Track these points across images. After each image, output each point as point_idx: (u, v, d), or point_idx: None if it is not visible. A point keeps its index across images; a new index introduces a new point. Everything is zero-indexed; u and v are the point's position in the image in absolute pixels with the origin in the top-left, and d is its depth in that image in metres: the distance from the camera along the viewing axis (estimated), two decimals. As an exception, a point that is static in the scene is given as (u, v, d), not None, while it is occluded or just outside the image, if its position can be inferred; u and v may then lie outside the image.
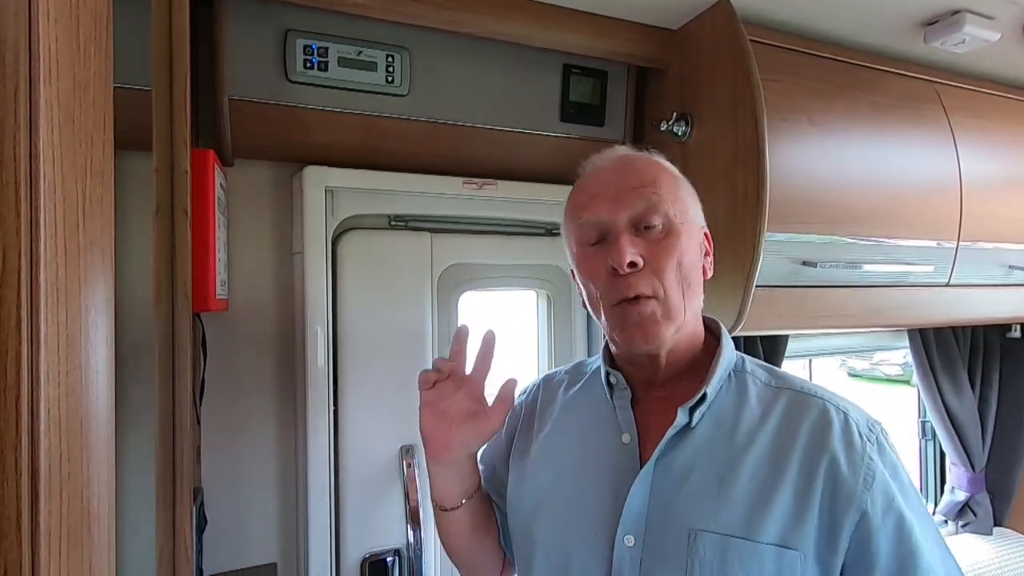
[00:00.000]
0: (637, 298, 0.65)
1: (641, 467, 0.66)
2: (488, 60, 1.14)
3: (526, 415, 0.84)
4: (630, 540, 0.64)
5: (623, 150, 0.74)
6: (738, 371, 0.71)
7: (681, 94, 1.18)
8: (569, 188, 1.24)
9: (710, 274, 0.72)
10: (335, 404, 1.08)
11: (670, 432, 0.65)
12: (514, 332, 1.38)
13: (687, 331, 0.69)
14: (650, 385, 0.72)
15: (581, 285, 0.73)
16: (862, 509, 0.59)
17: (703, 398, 0.66)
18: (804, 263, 1.09)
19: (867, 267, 1.16)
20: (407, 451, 1.11)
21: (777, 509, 0.60)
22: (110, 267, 0.44)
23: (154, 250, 0.76)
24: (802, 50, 1.15)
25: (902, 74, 1.27)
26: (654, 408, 0.70)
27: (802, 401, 0.66)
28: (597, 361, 0.80)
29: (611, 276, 0.66)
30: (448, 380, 0.74)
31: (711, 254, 0.74)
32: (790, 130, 1.08)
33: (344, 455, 1.08)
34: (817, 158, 1.12)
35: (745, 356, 0.73)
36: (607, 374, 0.74)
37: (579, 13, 1.11)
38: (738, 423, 0.66)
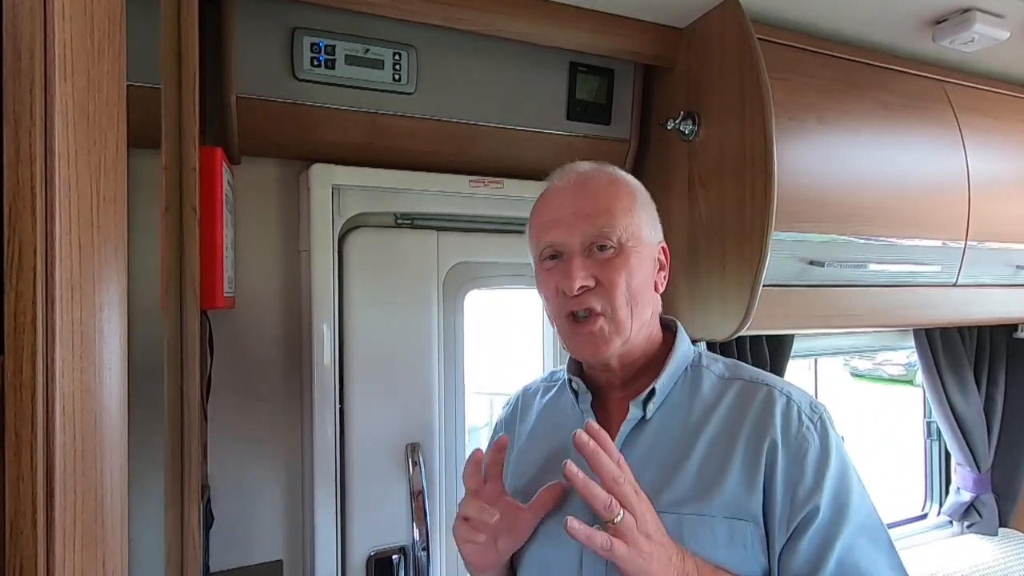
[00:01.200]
0: (588, 313, 0.71)
1: None
2: (495, 58, 1.14)
3: (507, 429, 0.89)
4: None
5: (583, 168, 0.77)
6: (694, 365, 0.77)
7: (688, 92, 1.18)
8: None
9: (662, 288, 0.77)
10: (341, 401, 1.08)
11: (625, 426, 0.72)
12: (520, 330, 1.38)
13: (638, 339, 0.74)
14: (611, 387, 0.78)
15: (541, 297, 0.78)
16: (794, 483, 0.65)
17: (652, 392, 0.72)
18: (811, 262, 1.09)
19: (874, 267, 1.16)
20: (413, 448, 1.12)
21: (727, 485, 0.66)
22: (123, 264, 0.44)
23: (163, 248, 0.76)
24: (810, 48, 1.15)
25: (911, 73, 1.26)
26: (616, 408, 0.76)
27: (750, 389, 0.72)
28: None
29: (564, 294, 0.72)
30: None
31: (666, 268, 0.78)
32: (798, 129, 1.08)
33: (350, 452, 1.08)
34: (825, 157, 1.11)
35: (703, 351, 0.79)
36: (569, 381, 0.80)
37: (586, 11, 1.11)
38: (691, 412, 0.72)
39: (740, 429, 0.69)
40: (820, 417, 0.69)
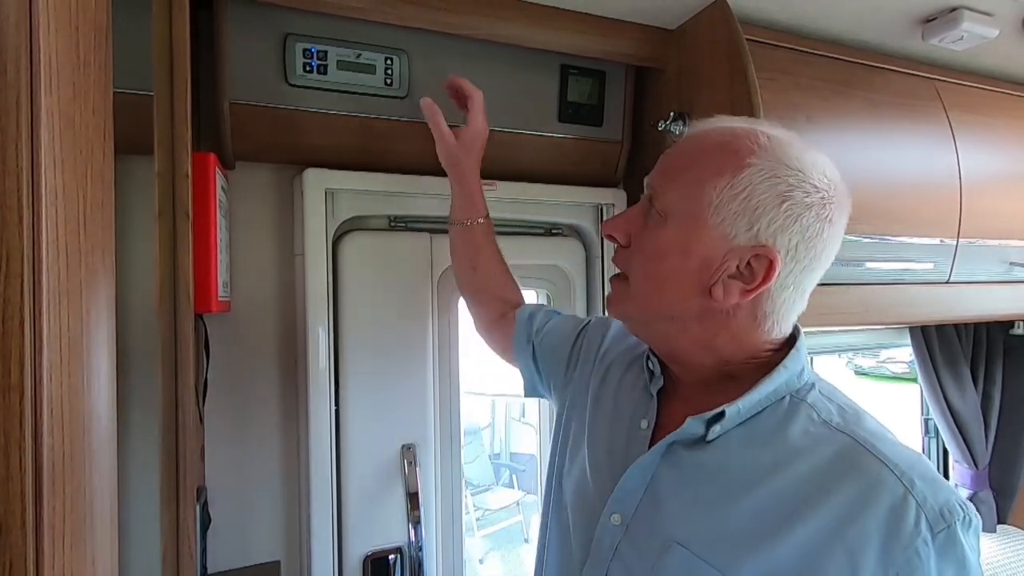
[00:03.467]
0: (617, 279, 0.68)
1: None
2: (486, 61, 1.15)
3: (594, 353, 0.84)
4: (616, 519, 0.63)
5: (707, 125, 0.64)
6: (798, 398, 0.60)
7: (679, 93, 1.19)
8: (568, 188, 1.27)
9: (729, 301, 0.59)
10: (337, 404, 1.09)
11: (674, 436, 0.61)
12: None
13: (690, 340, 0.62)
14: (683, 383, 0.68)
15: None
16: None
17: (721, 414, 0.58)
18: (802, 261, 1.10)
19: (867, 265, 1.16)
20: (408, 449, 1.12)
21: (766, 559, 0.52)
22: (111, 270, 0.45)
23: (156, 253, 0.77)
24: (799, 48, 1.16)
25: (900, 71, 1.27)
26: (680, 406, 0.66)
27: (857, 456, 0.54)
28: None
29: None
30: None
31: (755, 282, 0.58)
32: (787, 128, 1.08)
33: (346, 454, 1.09)
34: (815, 156, 1.12)
35: (820, 383, 0.62)
36: (647, 358, 0.72)
37: (575, 14, 1.11)
38: (766, 451, 0.57)
39: (818, 504, 0.52)
40: (945, 533, 0.49)
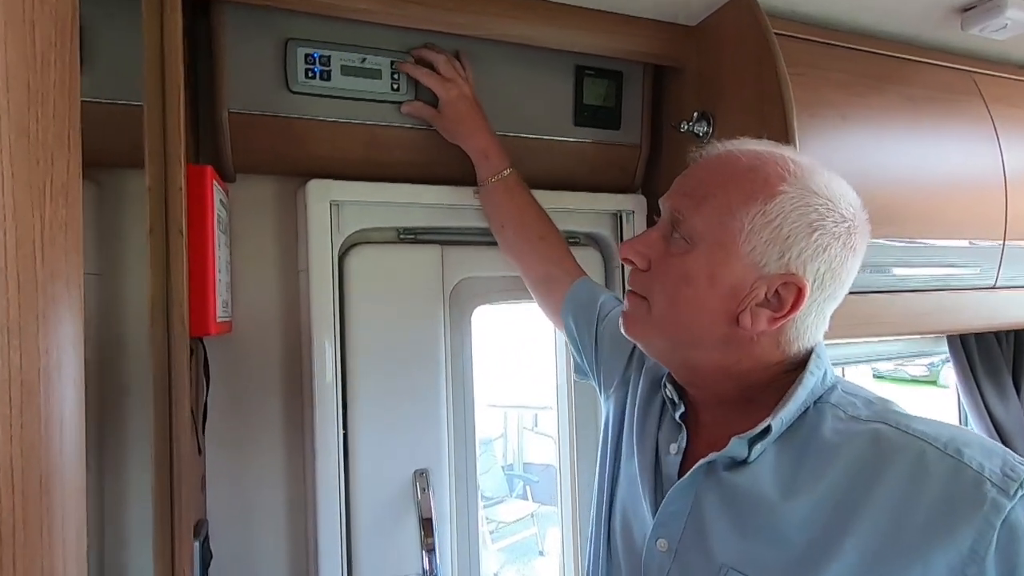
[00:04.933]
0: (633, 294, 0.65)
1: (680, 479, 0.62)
2: (497, 64, 1.09)
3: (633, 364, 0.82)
4: (663, 544, 0.61)
5: (739, 146, 0.62)
6: (822, 402, 0.58)
7: (701, 93, 1.12)
8: (585, 195, 1.20)
9: (757, 328, 0.58)
10: (345, 427, 1.03)
11: (714, 456, 0.58)
12: (531, 346, 1.32)
13: (710, 362, 0.61)
14: (702, 404, 0.67)
15: None
16: None
17: (766, 430, 0.56)
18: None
19: (906, 270, 1.09)
20: (420, 474, 1.06)
21: (829, 572, 0.50)
22: (77, 300, 0.39)
23: (148, 272, 0.72)
24: (828, 42, 1.09)
25: (936, 64, 1.19)
26: (703, 430, 0.66)
27: (894, 440, 0.52)
28: None
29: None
30: None
31: (783, 310, 0.57)
32: (820, 126, 1.02)
33: (355, 480, 1.03)
34: (850, 155, 1.05)
35: (842, 382, 0.61)
36: (664, 385, 0.70)
37: (591, 11, 1.06)
38: (801, 461, 0.55)
39: (865, 499, 0.50)
40: (1017, 493, 0.46)
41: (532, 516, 4.07)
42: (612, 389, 0.86)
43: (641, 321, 0.64)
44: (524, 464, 4.70)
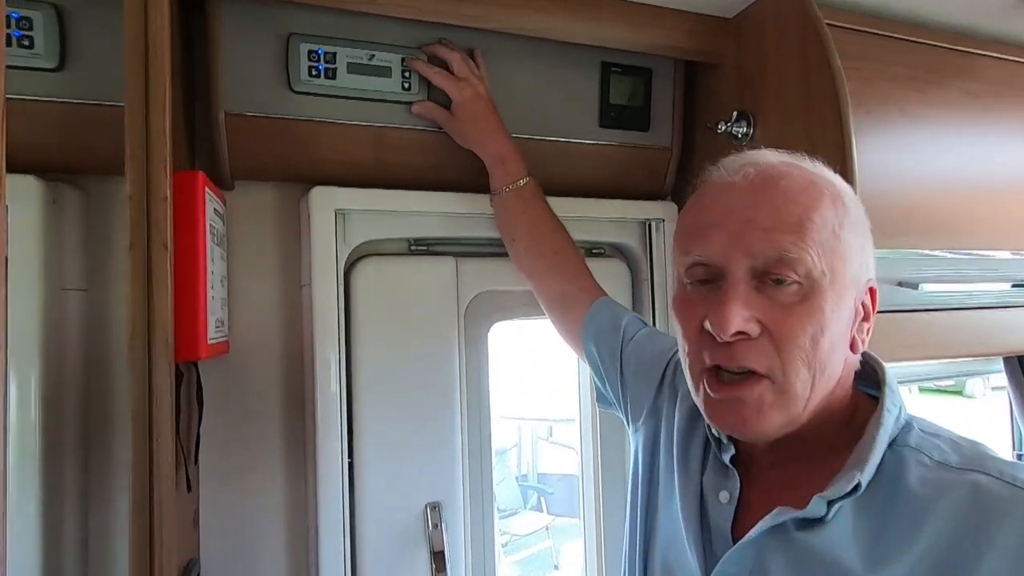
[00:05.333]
0: (745, 374, 0.50)
1: (734, 533, 0.55)
2: (516, 60, 1.01)
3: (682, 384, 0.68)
4: None
5: (767, 159, 0.55)
6: (898, 445, 0.51)
7: (740, 90, 1.03)
8: (611, 202, 1.11)
9: (862, 347, 0.54)
10: (350, 456, 0.95)
11: (786, 517, 0.50)
12: (552, 364, 1.23)
13: (813, 410, 0.52)
14: (763, 449, 0.57)
15: (674, 323, 0.58)
16: None
17: (855, 488, 0.48)
18: (900, 284, 0.92)
19: (973, 286, 0.98)
20: (432, 509, 0.97)
21: None
22: (-4, 339, 0.31)
23: (128, 292, 0.64)
24: (883, 33, 0.99)
25: (1000, 57, 1.08)
26: (766, 468, 0.57)
27: (1000, 496, 0.45)
28: None
29: (709, 335, 0.52)
30: None
31: (872, 318, 0.54)
32: (876, 124, 0.92)
33: (361, 514, 0.94)
34: (909, 156, 0.95)
35: (916, 420, 0.53)
36: (709, 425, 0.60)
37: (619, 2, 0.97)
38: (887, 519, 0.47)
39: (973, 566, 0.43)
40: None
41: (547, 529, 3.97)
42: (641, 421, 0.77)
43: (767, 410, 0.50)
44: (539, 474, 4.61)
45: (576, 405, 1.22)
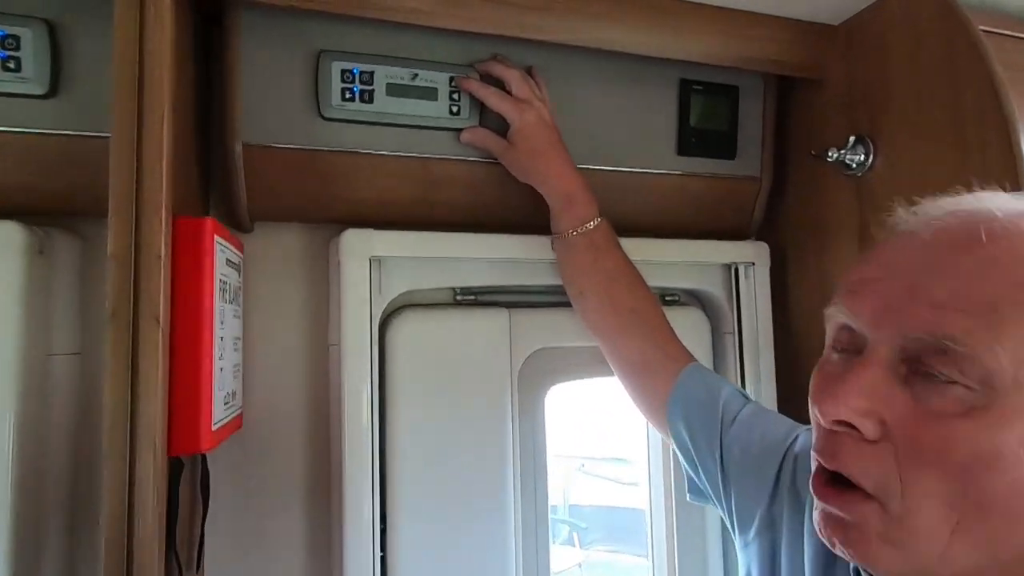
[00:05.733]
0: (843, 483, 0.38)
1: None
2: (581, 80, 0.86)
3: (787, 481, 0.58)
4: None
5: (987, 205, 0.38)
6: None
7: (850, 110, 0.86)
8: (689, 242, 0.94)
9: None
10: (383, 549, 0.79)
11: None
12: (619, 431, 1.05)
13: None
14: None
15: None
16: None
17: None
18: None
19: None
20: (482, 615, 0.80)
21: None
22: None
23: (106, 377, 0.50)
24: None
25: None
26: None
27: None
28: None
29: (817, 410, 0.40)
30: None
31: None
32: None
33: (396, 622, 0.78)
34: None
35: None
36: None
37: (700, 8, 0.82)
38: None
39: None
40: None
41: (580, 567, 3.74)
42: (752, 532, 0.60)
43: (887, 543, 0.36)
44: (570, 506, 4.38)
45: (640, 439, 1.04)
